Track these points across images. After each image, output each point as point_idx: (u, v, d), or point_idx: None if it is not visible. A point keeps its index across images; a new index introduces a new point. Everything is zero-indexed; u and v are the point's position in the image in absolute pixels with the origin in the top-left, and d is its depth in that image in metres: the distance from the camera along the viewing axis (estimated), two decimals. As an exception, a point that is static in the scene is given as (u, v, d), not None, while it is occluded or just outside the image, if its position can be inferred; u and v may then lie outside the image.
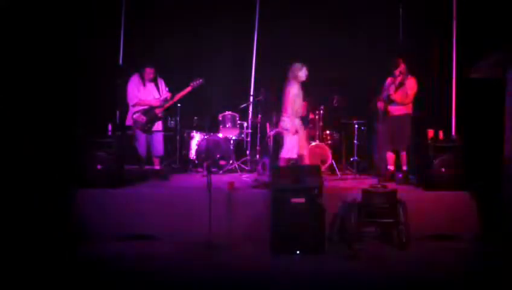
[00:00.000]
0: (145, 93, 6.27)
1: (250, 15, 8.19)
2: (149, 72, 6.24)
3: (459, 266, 4.56)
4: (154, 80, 6.31)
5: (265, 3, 8.16)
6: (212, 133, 7.21)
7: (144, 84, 6.26)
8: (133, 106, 6.23)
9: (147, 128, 6.22)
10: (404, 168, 6.14)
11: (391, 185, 5.40)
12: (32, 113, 5.17)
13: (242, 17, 8.10)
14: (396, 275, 4.29)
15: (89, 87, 6.19)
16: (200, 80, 6.34)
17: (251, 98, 7.87)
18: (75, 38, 5.83)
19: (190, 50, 7.69)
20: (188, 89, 6.32)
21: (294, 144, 5.99)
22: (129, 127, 6.31)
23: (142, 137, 6.29)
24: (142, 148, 6.33)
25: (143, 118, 6.19)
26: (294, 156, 6.09)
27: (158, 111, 6.28)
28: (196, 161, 7.16)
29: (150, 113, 6.23)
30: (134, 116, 6.20)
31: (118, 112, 7.37)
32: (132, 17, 7.69)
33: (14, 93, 4.98)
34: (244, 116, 7.75)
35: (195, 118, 7.55)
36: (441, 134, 5.74)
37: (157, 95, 6.30)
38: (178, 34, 7.70)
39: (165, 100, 6.30)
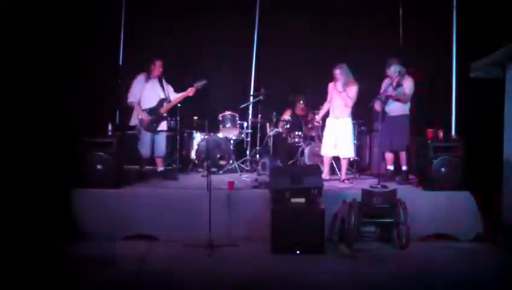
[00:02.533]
0: (149, 91, 6.23)
1: (251, 15, 8.19)
2: (159, 64, 6.22)
3: (459, 266, 4.56)
4: (160, 77, 6.27)
5: (265, 3, 8.16)
6: (212, 133, 7.20)
7: (147, 82, 6.21)
8: (129, 103, 6.20)
9: (153, 128, 6.21)
10: (404, 168, 6.14)
11: (391, 185, 5.40)
12: (32, 113, 5.17)
13: (242, 17, 8.10)
14: (396, 275, 4.30)
15: (89, 87, 6.19)
16: (204, 81, 6.28)
17: (251, 98, 7.86)
18: (75, 38, 5.83)
19: (190, 50, 7.69)
20: (192, 90, 6.27)
21: (323, 141, 6.30)
22: (133, 127, 6.28)
23: (147, 137, 6.25)
24: (146, 149, 6.27)
25: (148, 118, 6.18)
26: (320, 152, 6.41)
27: (163, 111, 6.26)
28: (196, 161, 7.16)
29: (155, 112, 6.22)
30: (140, 115, 6.18)
31: (118, 112, 7.38)
32: (132, 17, 7.69)
33: (14, 94, 4.98)
34: (244, 116, 7.75)
35: (195, 118, 7.55)
36: (441, 134, 5.74)
37: (161, 94, 6.25)
38: (178, 34, 7.69)
39: (164, 101, 6.25)
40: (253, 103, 7.86)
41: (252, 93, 8.11)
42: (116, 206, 5.28)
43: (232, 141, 7.26)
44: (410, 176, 6.17)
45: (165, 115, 6.28)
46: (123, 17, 7.64)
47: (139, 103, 6.20)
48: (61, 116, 5.55)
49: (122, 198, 5.36)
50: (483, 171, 5.44)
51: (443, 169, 5.46)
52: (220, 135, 7.22)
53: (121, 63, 7.64)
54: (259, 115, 7.46)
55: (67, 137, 5.56)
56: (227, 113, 7.31)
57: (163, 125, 6.31)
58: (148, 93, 6.23)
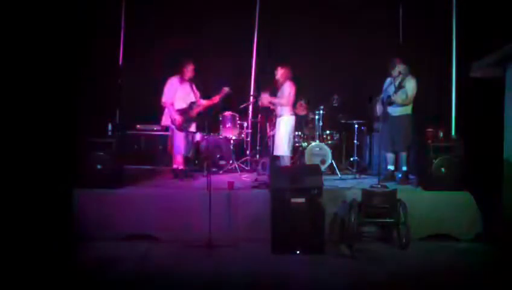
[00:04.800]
0: (183, 93, 6.34)
1: (251, 15, 8.19)
2: (191, 68, 6.35)
3: (459, 266, 4.56)
4: (191, 80, 6.41)
5: (265, 3, 8.15)
6: (212, 133, 7.20)
7: (181, 84, 6.32)
8: (165, 107, 6.27)
9: (183, 128, 6.32)
10: (404, 168, 6.13)
11: (391, 185, 5.40)
12: (32, 113, 5.17)
13: (242, 17, 8.09)
14: (396, 275, 4.30)
15: (89, 87, 6.19)
16: (227, 89, 6.51)
17: (251, 98, 7.86)
18: (75, 38, 5.83)
19: (190, 50, 7.68)
20: (216, 97, 6.52)
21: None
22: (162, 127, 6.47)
23: (181, 136, 6.33)
24: (183, 147, 6.36)
25: (180, 118, 6.27)
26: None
27: (193, 113, 6.40)
28: (196, 161, 7.16)
29: (186, 113, 6.33)
30: (172, 115, 6.26)
31: (118, 112, 7.38)
32: (132, 17, 7.69)
33: (14, 94, 4.98)
34: (244, 116, 7.75)
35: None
36: (441, 134, 5.74)
37: (192, 96, 6.38)
38: (178, 34, 7.69)
39: (194, 104, 6.41)
40: (253, 103, 7.85)
41: (252, 93, 8.11)
42: (116, 206, 5.28)
43: (232, 141, 7.26)
44: (410, 176, 6.17)
45: (194, 117, 6.42)
46: (123, 17, 7.63)
47: (172, 104, 6.27)
48: (62, 116, 5.54)
49: (122, 198, 5.36)
50: (483, 171, 5.43)
51: (443, 169, 5.46)
52: (220, 135, 7.23)
53: (121, 63, 7.64)
54: (259, 115, 7.46)
55: (67, 137, 5.56)
56: (227, 113, 7.31)
57: (192, 127, 6.47)
58: (181, 95, 6.34)
